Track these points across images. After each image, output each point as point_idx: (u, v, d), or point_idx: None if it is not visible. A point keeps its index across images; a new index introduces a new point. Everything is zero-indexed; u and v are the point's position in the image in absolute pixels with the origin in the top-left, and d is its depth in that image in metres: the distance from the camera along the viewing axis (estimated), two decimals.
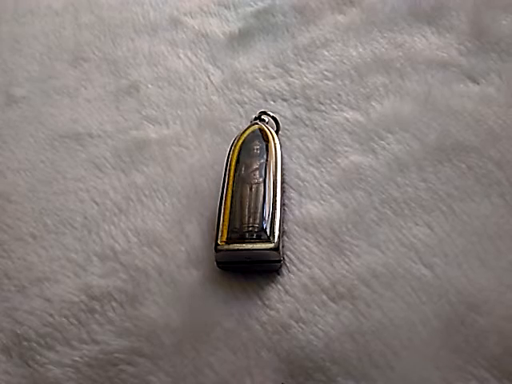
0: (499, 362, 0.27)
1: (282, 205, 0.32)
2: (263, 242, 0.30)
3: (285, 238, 0.32)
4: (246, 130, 0.36)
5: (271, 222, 0.31)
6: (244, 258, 0.30)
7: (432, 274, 0.30)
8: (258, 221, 0.31)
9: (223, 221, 0.31)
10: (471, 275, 0.29)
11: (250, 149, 0.35)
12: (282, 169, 0.34)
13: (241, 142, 0.35)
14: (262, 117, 0.38)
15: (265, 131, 0.36)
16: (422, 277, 0.30)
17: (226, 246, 0.30)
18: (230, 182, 0.33)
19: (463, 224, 0.31)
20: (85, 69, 0.45)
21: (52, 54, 0.46)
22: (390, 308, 0.27)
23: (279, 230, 0.30)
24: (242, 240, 0.30)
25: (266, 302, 0.30)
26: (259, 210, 0.31)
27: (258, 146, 0.35)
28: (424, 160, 0.35)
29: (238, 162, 0.34)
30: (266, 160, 0.34)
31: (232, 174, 0.33)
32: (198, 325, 0.30)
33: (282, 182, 0.34)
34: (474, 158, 0.34)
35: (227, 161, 0.34)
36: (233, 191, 0.32)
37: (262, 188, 0.32)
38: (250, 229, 0.31)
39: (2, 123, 0.42)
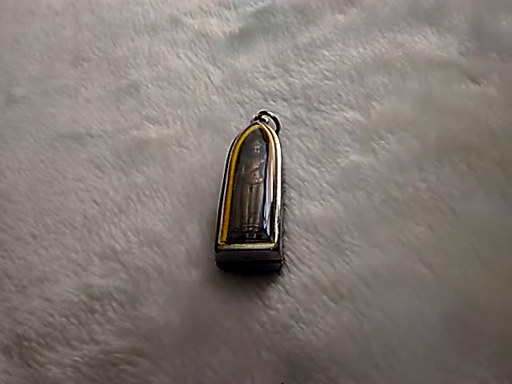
0: (499, 361, 0.27)
1: (282, 205, 0.32)
2: (263, 241, 0.30)
3: (285, 237, 0.32)
4: (246, 129, 0.36)
5: (271, 221, 0.31)
6: (244, 257, 0.30)
7: (432, 274, 0.30)
8: (258, 221, 0.31)
9: (223, 221, 0.31)
10: (471, 275, 0.29)
11: (250, 149, 0.35)
12: (282, 169, 0.34)
13: (241, 142, 0.35)
14: (263, 117, 0.38)
15: (265, 131, 0.36)
16: (422, 277, 0.30)
17: (226, 246, 0.30)
18: (230, 182, 0.33)
19: (463, 224, 0.31)
20: (85, 69, 0.45)
21: (52, 53, 0.46)
22: (390, 308, 0.27)
23: (279, 230, 0.30)
24: (242, 240, 0.30)
25: (266, 302, 0.30)
26: (259, 209, 0.31)
27: (258, 145, 0.35)
28: (424, 160, 0.35)
29: (238, 161, 0.34)
30: (266, 160, 0.34)
31: (232, 173, 0.33)
32: (198, 325, 0.30)
33: (282, 182, 0.34)
34: (474, 157, 0.34)
35: (227, 161, 0.34)
36: (233, 191, 0.32)
37: (262, 188, 0.32)
38: (250, 229, 0.30)
39: (2, 123, 0.42)
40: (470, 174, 0.34)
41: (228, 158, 0.34)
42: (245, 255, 0.30)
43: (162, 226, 0.34)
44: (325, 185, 0.34)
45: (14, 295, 0.33)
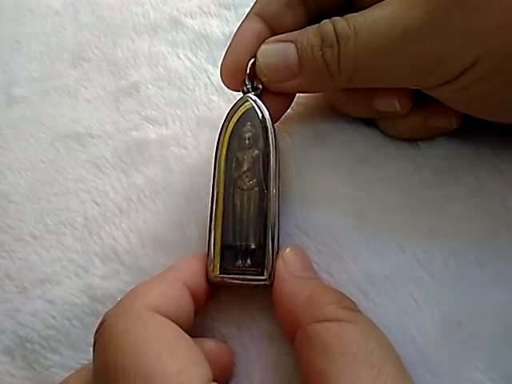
0: (495, 363, 0.27)
1: (278, 216, 0.30)
2: (256, 273, 0.29)
3: (286, 242, 0.31)
4: (237, 107, 0.32)
5: (265, 240, 0.29)
6: (237, 284, 0.29)
7: (430, 278, 0.30)
8: (251, 238, 0.29)
9: (214, 236, 0.29)
10: (470, 277, 0.30)
11: (241, 136, 0.31)
12: (279, 164, 0.31)
13: (231, 127, 0.31)
14: (255, 85, 0.32)
15: (259, 109, 0.31)
16: (419, 281, 0.30)
17: (219, 279, 0.29)
18: (221, 185, 0.30)
19: (463, 227, 0.31)
20: (85, 69, 0.44)
21: (52, 53, 0.46)
22: (384, 315, 0.27)
23: (273, 252, 0.29)
24: (235, 265, 0.29)
25: (265, 309, 0.30)
26: (252, 224, 0.29)
27: (250, 131, 0.31)
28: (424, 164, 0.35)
29: (227, 155, 0.30)
30: (261, 152, 0.30)
31: (222, 173, 0.30)
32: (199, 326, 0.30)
33: (279, 181, 0.31)
34: (474, 162, 0.34)
35: (216, 154, 0.31)
36: (224, 198, 0.30)
37: (255, 195, 0.30)
38: (243, 248, 0.29)
39: (2, 123, 0.42)
40: (469, 177, 0.33)
41: (217, 149, 0.31)
42: (238, 284, 0.29)
43: (163, 227, 0.34)
44: (326, 186, 0.34)
45: (15, 296, 0.33)
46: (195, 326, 0.30)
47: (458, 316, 0.29)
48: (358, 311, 0.26)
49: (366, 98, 0.33)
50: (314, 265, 0.31)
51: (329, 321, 0.24)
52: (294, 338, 0.26)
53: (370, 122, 0.35)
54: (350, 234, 0.31)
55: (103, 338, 0.24)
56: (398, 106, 0.32)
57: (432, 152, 0.34)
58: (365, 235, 0.31)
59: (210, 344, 0.29)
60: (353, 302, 0.27)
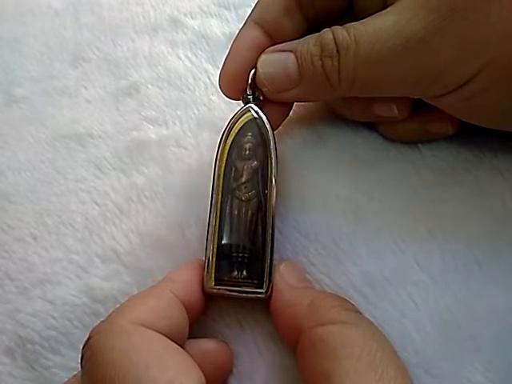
0: (494, 365, 0.27)
1: (274, 229, 0.30)
2: (254, 285, 0.29)
3: (286, 245, 0.31)
4: (238, 117, 0.31)
5: (263, 252, 0.29)
6: (234, 296, 0.29)
7: (429, 279, 0.30)
8: (248, 250, 0.29)
9: (212, 246, 0.29)
10: (469, 278, 0.30)
11: (241, 147, 0.31)
12: (277, 175, 0.30)
13: (232, 137, 0.31)
14: (256, 95, 0.32)
15: (260, 120, 0.31)
16: (418, 282, 0.30)
17: (215, 291, 0.29)
18: (219, 193, 0.30)
19: (462, 228, 0.31)
20: (85, 69, 0.44)
21: (52, 53, 0.46)
22: (383, 317, 0.27)
23: (270, 268, 0.29)
24: (232, 276, 0.29)
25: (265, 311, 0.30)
26: (249, 235, 0.29)
27: (251, 142, 0.31)
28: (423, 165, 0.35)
29: (227, 163, 0.30)
30: (261, 163, 0.30)
31: (221, 181, 0.30)
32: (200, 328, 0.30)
33: (277, 193, 0.30)
34: (473, 162, 0.34)
35: (215, 162, 0.31)
36: (221, 207, 0.30)
37: (253, 206, 0.30)
38: (240, 259, 0.29)
39: (2, 123, 0.42)
40: (468, 179, 0.33)
41: (216, 157, 0.31)
42: (234, 296, 0.29)
43: (164, 227, 0.34)
44: (327, 188, 0.34)
45: (15, 297, 0.33)
46: (197, 327, 0.30)
47: (457, 317, 0.29)
48: (360, 313, 0.26)
49: (364, 103, 0.33)
50: (313, 267, 0.31)
51: (332, 323, 0.24)
52: (295, 345, 0.26)
53: (370, 125, 0.35)
54: (350, 236, 0.31)
55: (89, 355, 0.24)
56: (395, 112, 0.32)
57: (431, 153, 0.34)
58: (364, 237, 0.31)
59: (209, 344, 0.29)
60: (353, 304, 0.27)
